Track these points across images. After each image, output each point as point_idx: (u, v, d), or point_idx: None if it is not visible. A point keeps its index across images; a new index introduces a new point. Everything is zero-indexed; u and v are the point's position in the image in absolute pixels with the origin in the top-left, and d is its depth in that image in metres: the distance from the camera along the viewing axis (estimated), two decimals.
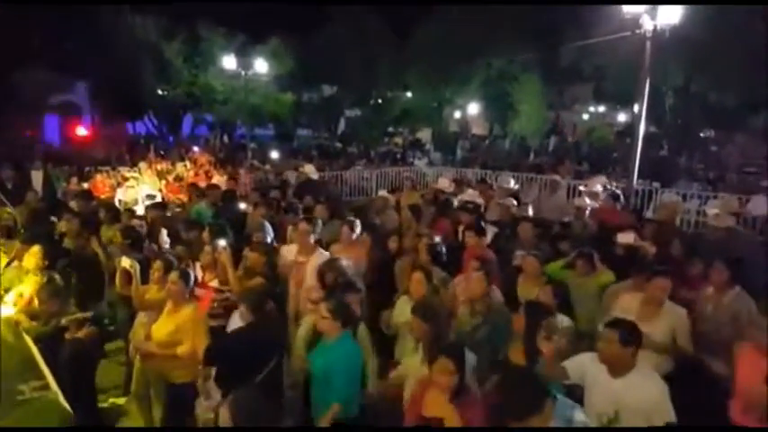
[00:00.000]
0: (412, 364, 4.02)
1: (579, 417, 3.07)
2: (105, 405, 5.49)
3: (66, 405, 3.60)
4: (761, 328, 3.78)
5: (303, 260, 5.82)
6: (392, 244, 6.45)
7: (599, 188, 9.58)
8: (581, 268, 5.35)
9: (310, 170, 12.41)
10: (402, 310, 4.73)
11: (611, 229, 6.62)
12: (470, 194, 9.27)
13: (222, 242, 5.36)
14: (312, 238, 5.99)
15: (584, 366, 3.55)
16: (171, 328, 4.52)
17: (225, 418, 3.07)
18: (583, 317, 4.93)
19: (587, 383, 3.49)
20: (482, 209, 8.69)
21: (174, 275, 4.64)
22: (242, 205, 8.85)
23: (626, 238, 6.01)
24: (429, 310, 4.03)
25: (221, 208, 8.49)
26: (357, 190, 17.54)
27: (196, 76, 22.27)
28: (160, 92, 22.78)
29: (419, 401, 3.45)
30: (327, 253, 5.91)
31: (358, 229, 6.33)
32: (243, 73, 21.77)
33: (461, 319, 4.54)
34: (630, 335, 3.43)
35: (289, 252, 6.11)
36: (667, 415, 3.30)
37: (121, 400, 5.54)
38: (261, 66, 21.97)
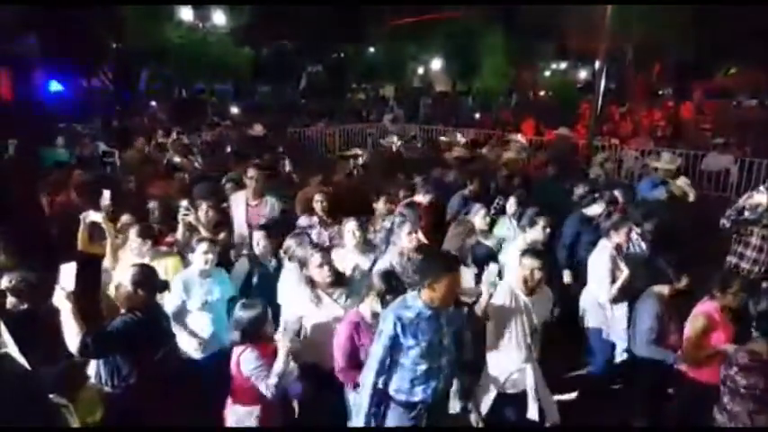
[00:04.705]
0: None
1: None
2: None
3: (23, 360, 3.59)
4: None
5: (256, 203, 6.32)
6: None
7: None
8: None
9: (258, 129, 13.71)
10: None
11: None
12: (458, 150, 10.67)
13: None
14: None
15: (510, 293, 4.27)
16: None
17: None
18: None
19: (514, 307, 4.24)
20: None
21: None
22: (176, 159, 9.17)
23: None
24: None
25: None
26: (321, 146, 17.41)
27: (152, 28, 21.40)
28: (114, 45, 21.88)
29: None
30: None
31: None
32: (200, 25, 21.09)
33: None
34: None
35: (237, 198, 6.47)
36: None
37: None
38: (219, 18, 21.32)
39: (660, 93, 27.01)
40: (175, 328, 4.40)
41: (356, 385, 3.79)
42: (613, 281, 5.33)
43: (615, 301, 5.33)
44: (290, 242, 4.91)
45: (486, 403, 4.31)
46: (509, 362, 4.29)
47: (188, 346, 4.60)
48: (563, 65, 33.59)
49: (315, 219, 6.19)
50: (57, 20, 17.47)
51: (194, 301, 4.59)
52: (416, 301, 3.48)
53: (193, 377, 4.47)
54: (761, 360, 3.56)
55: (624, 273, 5.22)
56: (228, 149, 11.46)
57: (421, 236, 5.17)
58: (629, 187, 8.07)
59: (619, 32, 14.07)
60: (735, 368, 3.60)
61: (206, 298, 4.60)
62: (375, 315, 3.87)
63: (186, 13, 20.67)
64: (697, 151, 14.06)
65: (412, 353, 3.46)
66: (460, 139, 12.66)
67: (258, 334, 3.80)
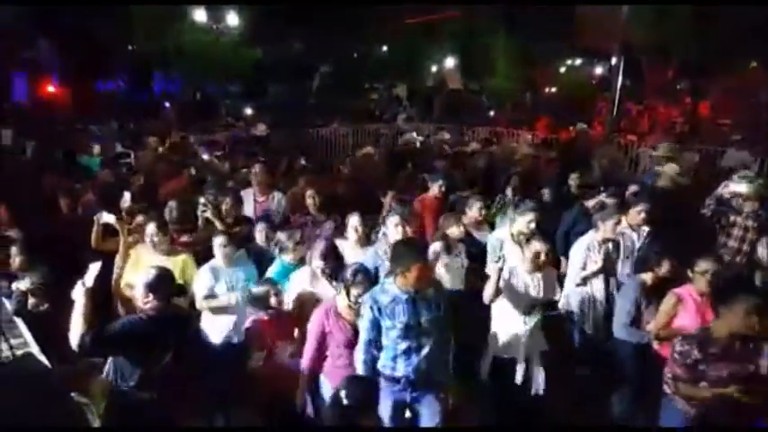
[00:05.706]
0: None
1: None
2: None
3: (45, 359, 3.62)
4: None
5: (263, 199, 6.59)
6: None
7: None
8: None
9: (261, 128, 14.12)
10: None
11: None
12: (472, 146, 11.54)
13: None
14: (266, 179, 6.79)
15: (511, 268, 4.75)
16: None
17: None
18: None
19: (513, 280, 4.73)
20: None
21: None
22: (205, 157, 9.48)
23: None
24: None
25: None
26: (335, 146, 17.38)
27: (166, 30, 21.45)
28: (129, 47, 21.98)
29: None
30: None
31: None
32: (214, 27, 21.13)
33: None
34: None
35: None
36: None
37: None
38: (232, 19, 21.35)
39: (678, 87, 26.58)
40: (204, 315, 4.77)
41: (314, 377, 4.24)
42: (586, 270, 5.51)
43: (578, 286, 5.49)
44: (281, 236, 5.18)
45: (486, 364, 4.80)
46: (505, 328, 4.74)
47: (213, 331, 4.77)
48: (578, 61, 33.24)
49: (308, 218, 6.24)
50: (71, 23, 17.59)
51: (220, 288, 4.78)
52: (392, 287, 3.87)
53: (201, 381, 4.50)
54: (706, 335, 3.60)
55: (596, 265, 5.34)
56: (222, 150, 11.54)
57: (408, 229, 5.38)
58: (642, 183, 8.04)
59: (632, 29, 13.94)
60: (680, 336, 3.74)
61: (230, 285, 4.80)
62: (349, 306, 4.19)
63: (200, 15, 20.73)
64: (716, 147, 13.86)
65: (391, 333, 3.85)
66: (445, 135, 13.25)
67: (266, 306, 4.47)
